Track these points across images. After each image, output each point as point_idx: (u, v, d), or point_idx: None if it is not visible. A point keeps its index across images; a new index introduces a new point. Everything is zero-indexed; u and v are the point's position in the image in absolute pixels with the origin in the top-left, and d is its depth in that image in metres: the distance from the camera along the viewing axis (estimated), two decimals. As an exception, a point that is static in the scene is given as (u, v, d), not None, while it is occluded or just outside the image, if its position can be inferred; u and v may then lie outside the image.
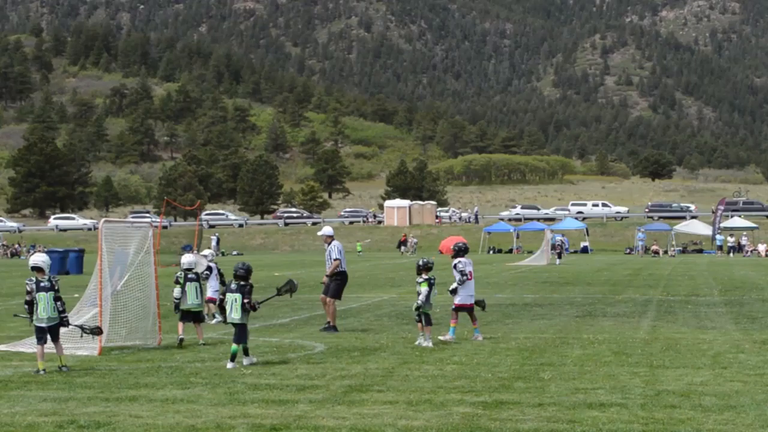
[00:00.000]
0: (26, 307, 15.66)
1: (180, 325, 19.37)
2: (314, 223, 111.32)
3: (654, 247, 77.65)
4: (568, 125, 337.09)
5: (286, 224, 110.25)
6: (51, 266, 15.90)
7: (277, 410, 11.91)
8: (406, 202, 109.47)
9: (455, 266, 19.19)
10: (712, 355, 16.69)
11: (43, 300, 15.33)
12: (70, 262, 53.38)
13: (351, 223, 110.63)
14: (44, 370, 15.21)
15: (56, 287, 15.44)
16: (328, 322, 21.60)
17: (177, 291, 19.35)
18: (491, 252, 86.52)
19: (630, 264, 59.58)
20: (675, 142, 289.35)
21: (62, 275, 49.89)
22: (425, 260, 18.88)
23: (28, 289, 15.46)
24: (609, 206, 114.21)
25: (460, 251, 19.51)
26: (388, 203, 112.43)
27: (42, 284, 15.36)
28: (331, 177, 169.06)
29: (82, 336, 17.01)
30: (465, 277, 19.11)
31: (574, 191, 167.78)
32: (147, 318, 19.14)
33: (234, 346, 15.97)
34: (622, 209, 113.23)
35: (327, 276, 21.75)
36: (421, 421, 11.12)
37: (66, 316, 15.63)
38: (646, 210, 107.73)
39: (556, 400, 12.41)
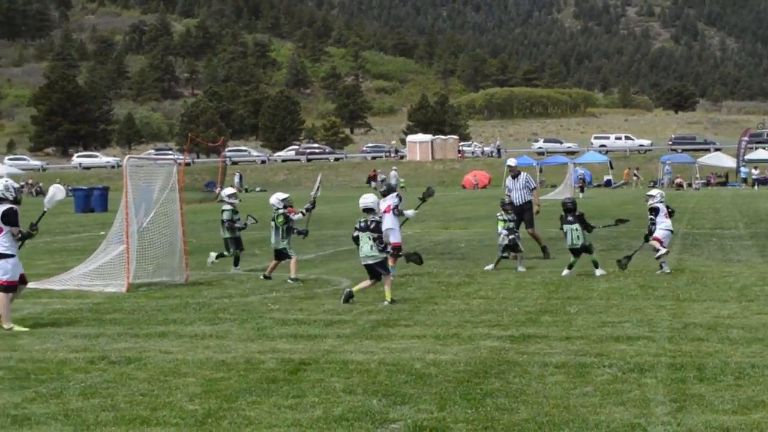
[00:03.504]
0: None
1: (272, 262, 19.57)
2: (336, 159, 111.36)
3: (678, 180, 77.33)
4: (590, 57, 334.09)
5: (309, 160, 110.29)
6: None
7: (306, 345, 12.00)
8: (428, 137, 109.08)
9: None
10: (738, 288, 16.68)
11: (362, 239, 15.82)
12: (94, 199, 53.61)
13: (373, 158, 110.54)
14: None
15: (371, 227, 15.79)
16: (544, 247, 23.01)
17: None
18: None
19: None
20: (698, 74, 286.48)
21: (87, 213, 50.27)
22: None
23: (356, 227, 16.08)
24: (632, 139, 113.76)
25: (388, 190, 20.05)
26: (410, 138, 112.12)
27: (361, 224, 15.89)
28: (353, 112, 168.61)
29: (408, 262, 17.72)
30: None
31: (596, 124, 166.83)
32: (174, 255, 19.26)
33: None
34: (645, 142, 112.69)
35: (538, 206, 23.60)
36: (449, 355, 11.17)
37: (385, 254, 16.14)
38: (670, 142, 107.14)
39: (583, 333, 12.45)
